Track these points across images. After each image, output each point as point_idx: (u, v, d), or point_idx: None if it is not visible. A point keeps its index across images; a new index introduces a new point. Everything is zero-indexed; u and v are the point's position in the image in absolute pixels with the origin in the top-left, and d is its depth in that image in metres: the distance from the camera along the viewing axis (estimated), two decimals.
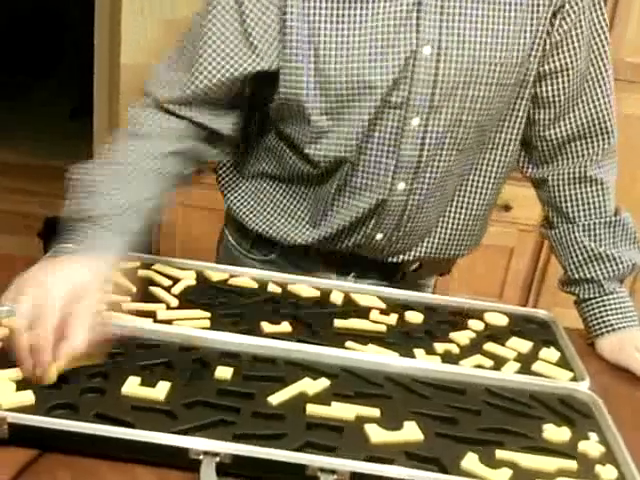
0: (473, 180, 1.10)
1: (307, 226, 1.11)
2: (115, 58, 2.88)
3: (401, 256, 1.13)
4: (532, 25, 0.98)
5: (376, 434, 0.76)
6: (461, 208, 1.11)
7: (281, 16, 0.96)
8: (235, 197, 1.16)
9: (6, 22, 4.87)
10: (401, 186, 1.04)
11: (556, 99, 1.05)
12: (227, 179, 1.17)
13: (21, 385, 0.76)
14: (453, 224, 1.12)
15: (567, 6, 0.99)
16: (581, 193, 1.10)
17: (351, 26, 0.96)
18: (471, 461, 0.74)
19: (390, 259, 1.13)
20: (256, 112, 1.09)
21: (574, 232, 1.11)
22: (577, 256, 1.11)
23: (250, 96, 1.04)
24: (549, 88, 1.05)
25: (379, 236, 1.09)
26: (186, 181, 1.04)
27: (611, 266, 1.09)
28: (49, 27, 4.92)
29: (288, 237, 1.12)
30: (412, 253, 1.13)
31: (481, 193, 1.11)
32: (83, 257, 0.85)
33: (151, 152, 0.97)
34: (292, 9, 0.95)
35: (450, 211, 1.12)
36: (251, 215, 1.15)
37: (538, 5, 0.98)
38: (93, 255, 0.86)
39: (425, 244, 1.13)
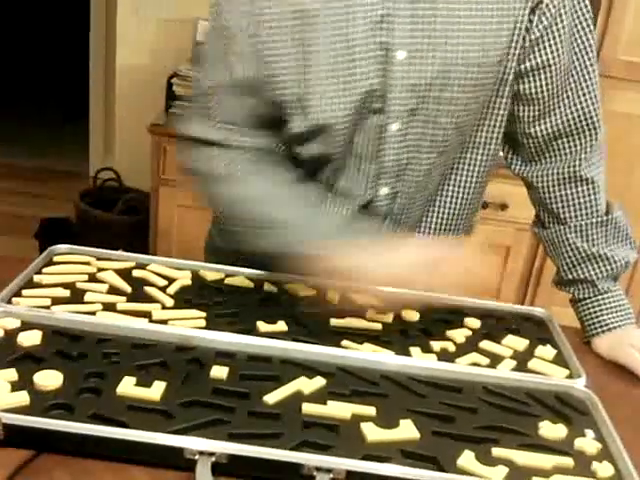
0: (455, 180, 1.09)
1: None
2: (111, 60, 2.88)
3: None
4: (509, 23, 0.97)
5: (372, 433, 0.76)
6: (444, 208, 1.11)
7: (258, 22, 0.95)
8: None
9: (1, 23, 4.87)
10: (384, 191, 1.04)
11: (539, 95, 1.04)
12: None
13: (16, 386, 0.76)
14: (436, 224, 1.12)
15: (546, 1, 0.97)
16: (572, 194, 1.09)
17: (330, 27, 0.95)
18: (467, 459, 0.74)
19: None
20: None
21: (566, 233, 1.10)
22: (570, 257, 1.10)
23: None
24: (531, 85, 1.03)
25: None
26: None
27: (604, 265, 1.08)
28: (45, 28, 4.91)
29: None
30: None
31: (463, 192, 1.10)
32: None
33: None
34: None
35: (433, 211, 1.11)
36: None
37: (514, 2, 0.96)
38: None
39: None
